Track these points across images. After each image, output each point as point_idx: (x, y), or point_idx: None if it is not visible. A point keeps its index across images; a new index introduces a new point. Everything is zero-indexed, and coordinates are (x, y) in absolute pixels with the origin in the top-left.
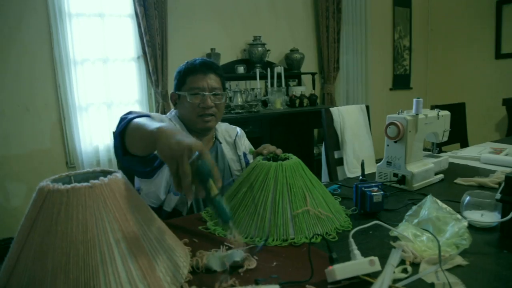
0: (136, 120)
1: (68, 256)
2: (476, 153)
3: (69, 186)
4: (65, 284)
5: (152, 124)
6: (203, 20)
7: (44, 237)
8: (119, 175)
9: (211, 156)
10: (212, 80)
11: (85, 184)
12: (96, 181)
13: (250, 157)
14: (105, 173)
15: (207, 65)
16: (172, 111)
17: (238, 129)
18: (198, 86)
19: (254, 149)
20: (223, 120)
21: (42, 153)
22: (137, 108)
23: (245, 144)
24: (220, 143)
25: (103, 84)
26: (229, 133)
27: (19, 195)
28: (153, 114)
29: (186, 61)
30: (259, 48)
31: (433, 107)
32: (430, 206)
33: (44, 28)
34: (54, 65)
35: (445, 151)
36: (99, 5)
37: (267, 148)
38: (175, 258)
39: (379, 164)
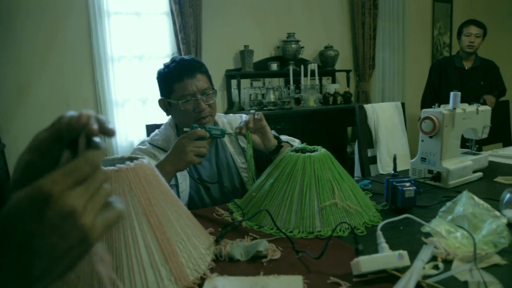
0: None
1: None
2: None
3: None
4: (88, 264)
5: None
6: (237, 17)
7: None
8: (145, 160)
9: (212, 150)
10: (200, 81)
11: (111, 168)
12: (122, 165)
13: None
14: (132, 159)
15: (191, 67)
16: (166, 122)
17: (244, 116)
18: (188, 92)
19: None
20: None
21: None
22: None
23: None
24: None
25: (139, 80)
26: (231, 124)
27: None
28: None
29: (164, 64)
30: (293, 45)
31: (472, 103)
32: (466, 202)
33: (84, 26)
34: (93, 62)
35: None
36: (136, 3)
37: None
38: (198, 245)
39: (413, 160)
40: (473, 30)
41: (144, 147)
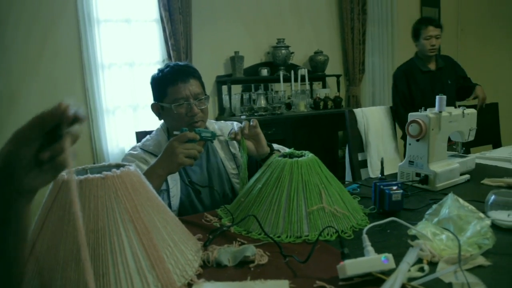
0: None
1: (79, 244)
2: (507, 154)
3: (82, 177)
4: (75, 272)
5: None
6: (227, 24)
7: (58, 226)
8: (132, 168)
9: (202, 156)
10: (193, 86)
11: (97, 175)
12: (108, 173)
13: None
14: (119, 166)
15: (185, 72)
16: (159, 126)
17: (235, 124)
18: (181, 96)
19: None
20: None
21: None
22: None
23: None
24: (212, 142)
25: (130, 87)
26: (222, 131)
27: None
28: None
29: (158, 69)
30: (283, 51)
31: (458, 106)
32: (451, 205)
33: (74, 33)
34: (83, 69)
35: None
36: (126, 11)
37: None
38: (185, 251)
39: (401, 163)
40: (432, 32)
41: (135, 152)
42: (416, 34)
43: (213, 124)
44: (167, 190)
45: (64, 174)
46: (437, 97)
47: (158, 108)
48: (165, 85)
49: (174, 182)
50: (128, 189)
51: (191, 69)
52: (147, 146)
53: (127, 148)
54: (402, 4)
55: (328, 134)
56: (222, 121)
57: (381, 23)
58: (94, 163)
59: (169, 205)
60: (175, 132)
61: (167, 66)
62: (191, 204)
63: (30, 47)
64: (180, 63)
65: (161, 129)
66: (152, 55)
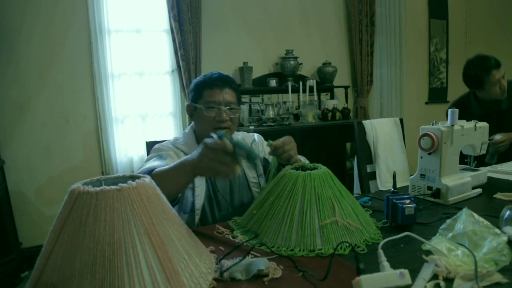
0: (157, 170)
1: (95, 256)
2: None
3: (98, 188)
4: (91, 284)
5: (172, 164)
6: (236, 34)
7: (73, 237)
8: (147, 179)
9: None
10: (228, 95)
11: (113, 187)
12: (124, 185)
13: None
14: (134, 178)
15: (223, 80)
16: (189, 127)
17: (256, 135)
18: (214, 99)
19: (272, 142)
20: (255, 132)
21: (80, 163)
22: (170, 121)
23: (264, 150)
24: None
25: (139, 97)
26: (244, 141)
27: (58, 202)
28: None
29: (203, 74)
30: (291, 62)
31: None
32: (466, 220)
33: (85, 43)
34: (93, 78)
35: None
36: (136, 21)
37: (285, 146)
38: (200, 264)
39: (412, 176)
40: (498, 74)
41: (166, 145)
42: (479, 83)
43: (235, 135)
44: (193, 189)
45: (79, 185)
46: (449, 110)
47: (191, 109)
48: (203, 87)
49: (200, 181)
50: (144, 201)
51: (231, 80)
52: (178, 143)
53: (135, 157)
54: (410, 16)
55: (336, 146)
56: (244, 132)
57: (389, 35)
58: (102, 172)
59: (193, 204)
60: (212, 134)
61: (212, 73)
62: (210, 207)
63: (42, 56)
64: (223, 73)
65: (190, 130)
66: (161, 65)
